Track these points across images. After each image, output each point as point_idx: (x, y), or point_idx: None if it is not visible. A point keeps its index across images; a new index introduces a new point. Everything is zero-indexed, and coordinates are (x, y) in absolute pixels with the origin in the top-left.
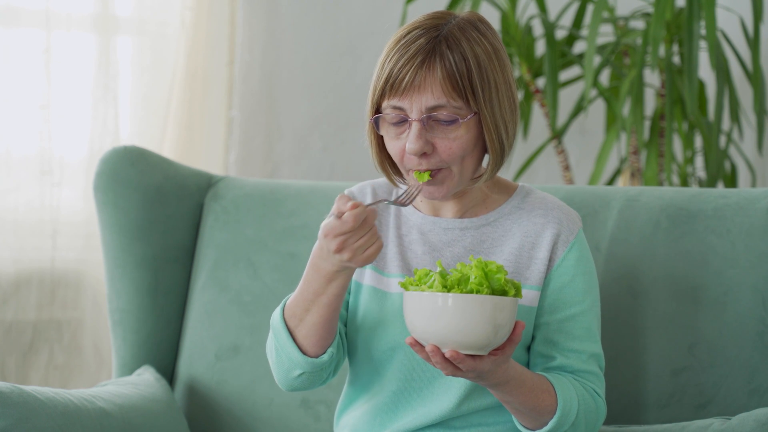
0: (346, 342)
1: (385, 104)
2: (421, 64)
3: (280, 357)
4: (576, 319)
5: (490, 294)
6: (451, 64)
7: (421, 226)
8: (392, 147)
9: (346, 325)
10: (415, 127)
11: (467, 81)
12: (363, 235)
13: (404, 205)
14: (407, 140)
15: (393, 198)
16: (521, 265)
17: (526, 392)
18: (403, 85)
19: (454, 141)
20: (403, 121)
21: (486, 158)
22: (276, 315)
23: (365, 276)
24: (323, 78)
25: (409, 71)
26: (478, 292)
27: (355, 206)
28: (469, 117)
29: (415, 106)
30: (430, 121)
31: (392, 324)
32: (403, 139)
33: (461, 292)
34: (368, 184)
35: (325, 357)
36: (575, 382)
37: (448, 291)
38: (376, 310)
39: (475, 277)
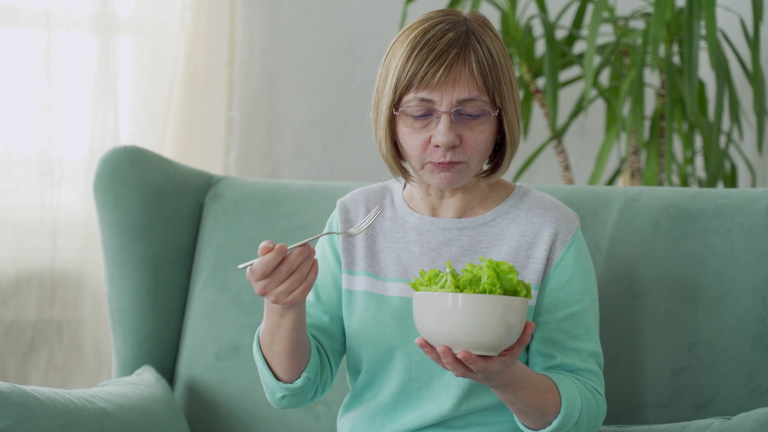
0: (332, 360)
1: (410, 97)
2: (456, 57)
3: (263, 380)
4: (575, 318)
5: (502, 294)
6: (482, 59)
7: (419, 227)
8: (412, 140)
9: (340, 338)
10: (445, 119)
11: (495, 76)
12: (283, 280)
13: (351, 235)
14: (436, 132)
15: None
16: (518, 265)
17: (531, 393)
18: (437, 78)
19: (479, 135)
20: (428, 114)
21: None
22: (254, 342)
23: (358, 282)
24: (323, 78)
25: (443, 64)
26: (490, 292)
27: (268, 251)
28: (496, 112)
29: (446, 98)
30: (457, 114)
31: (389, 326)
32: (427, 131)
33: (473, 292)
34: (361, 194)
35: (299, 383)
36: (577, 382)
37: (460, 291)
38: (372, 314)
39: (488, 278)
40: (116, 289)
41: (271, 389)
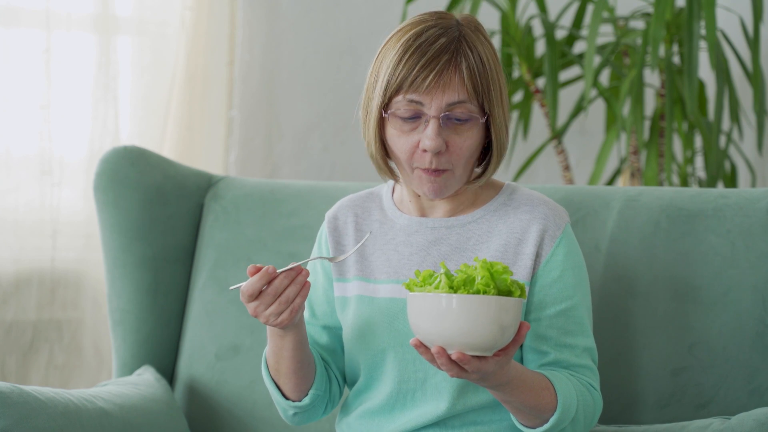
0: (339, 376)
1: (399, 98)
2: (447, 63)
3: (274, 400)
4: (567, 314)
5: (496, 295)
6: (473, 65)
7: (408, 228)
8: (401, 143)
9: (342, 354)
10: (433, 123)
11: (486, 82)
12: (270, 303)
13: (337, 260)
14: (424, 136)
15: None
16: (507, 261)
17: (527, 391)
18: (427, 82)
19: (465, 141)
20: (416, 117)
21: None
22: (262, 363)
23: (350, 288)
24: (323, 78)
25: (434, 69)
26: (484, 293)
27: (256, 270)
28: (484, 118)
29: (435, 103)
30: (446, 118)
31: (380, 327)
32: (415, 135)
33: (468, 293)
34: (348, 202)
35: (307, 400)
36: (572, 378)
37: (454, 292)
38: (365, 316)
39: (482, 278)
40: (116, 289)
41: (282, 408)
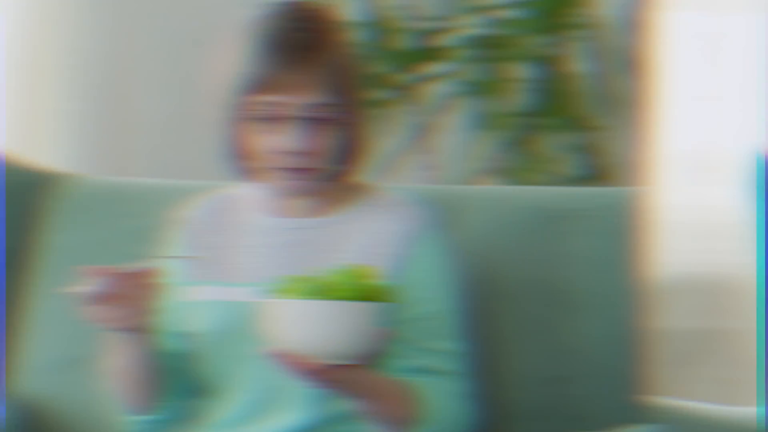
0: (189, 385)
1: (256, 99)
2: (306, 60)
3: (120, 413)
4: (432, 317)
5: (359, 300)
6: (334, 62)
7: (267, 228)
8: (259, 144)
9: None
10: (293, 124)
11: (346, 80)
12: (114, 307)
13: (186, 261)
14: (284, 138)
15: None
16: (370, 263)
17: (389, 401)
18: (285, 81)
19: (328, 140)
20: (275, 118)
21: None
22: (106, 375)
23: (204, 292)
24: (174, 70)
25: (292, 67)
26: (345, 298)
27: (97, 272)
28: (345, 116)
29: (295, 102)
30: (307, 119)
31: (236, 333)
32: (274, 136)
33: (328, 299)
34: (204, 204)
35: (157, 413)
36: (437, 385)
37: (316, 298)
38: (220, 322)
39: (343, 283)
40: None
41: (131, 422)
